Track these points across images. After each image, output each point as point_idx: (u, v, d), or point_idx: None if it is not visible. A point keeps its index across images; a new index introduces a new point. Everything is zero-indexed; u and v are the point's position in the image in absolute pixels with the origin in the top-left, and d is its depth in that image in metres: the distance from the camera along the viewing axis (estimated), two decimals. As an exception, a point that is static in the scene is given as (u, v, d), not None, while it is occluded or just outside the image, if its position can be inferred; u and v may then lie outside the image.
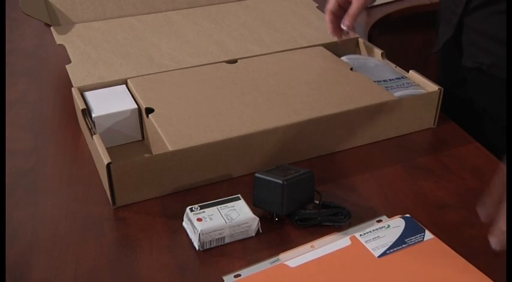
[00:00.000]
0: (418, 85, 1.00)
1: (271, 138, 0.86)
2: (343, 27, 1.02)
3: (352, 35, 1.07)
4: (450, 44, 1.09)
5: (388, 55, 1.09)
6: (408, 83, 1.00)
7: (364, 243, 0.74)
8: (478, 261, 0.71)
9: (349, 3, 1.00)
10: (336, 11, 1.03)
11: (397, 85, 1.00)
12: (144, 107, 0.92)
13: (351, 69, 1.05)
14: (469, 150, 0.93)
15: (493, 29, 0.99)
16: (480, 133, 0.97)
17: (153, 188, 0.81)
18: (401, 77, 1.02)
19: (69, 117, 1.01)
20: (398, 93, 0.97)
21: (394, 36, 1.12)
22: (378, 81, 1.00)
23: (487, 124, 1.08)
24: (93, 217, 0.79)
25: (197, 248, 0.73)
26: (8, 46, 1.29)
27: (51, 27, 1.17)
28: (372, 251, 0.73)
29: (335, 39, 1.08)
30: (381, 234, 0.75)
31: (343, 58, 1.09)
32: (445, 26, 1.10)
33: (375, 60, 1.08)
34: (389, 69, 1.05)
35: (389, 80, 1.01)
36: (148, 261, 0.72)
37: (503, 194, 0.64)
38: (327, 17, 1.04)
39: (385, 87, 0.98)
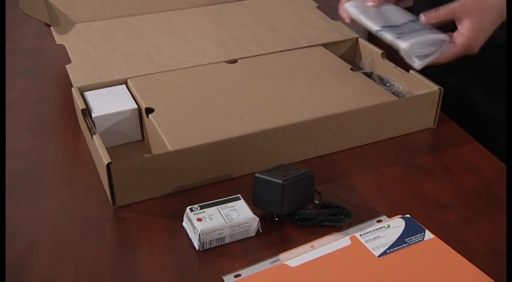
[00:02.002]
0: (432, 29, 0.89)
1: (271, 138, 0.86)
2: (370, 3, 0.98)
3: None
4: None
5: (388, 55, 1.09)
6: (420, 28, 0.88)
7: (364, 243, 0.74)
8: (478, 261, 0.71)
9: None
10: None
11: (410, 30, 0.88)
12: (144, 107, 0.92)
13: (351, 69, 1.05)
14: (469, 150, 0.93)
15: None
16: (480, 133, 0.97)
17: (153, 188, 0.81)
18: (413, 20, 0.91)
19: (69, 117, 1.01)
20: (412, 40, 0.85)
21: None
22: (390, 26, 0.90)
23: (487, 124, 1.08)
24: (93, 217, 0.79)
25: (197, 248, 0.73)
26: (8, 46, 1.29)
27: (51, 27, 1.17)
28: (372, 250, 0.73)
29: (333, 39, 1.07)
30: (381, 234, 0.75)
31: (347, 4, 0.97)
32: (431, 7, 1.09)
33: (385, 5, 0.97)
34: (401, 10, 0.95)
35: (402, 24, 0.90)
36: (148, 261, 0.72)
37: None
38: (341, 9, 1.01)
39: (398, 33, 0.88)
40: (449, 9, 0.86)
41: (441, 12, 0.87)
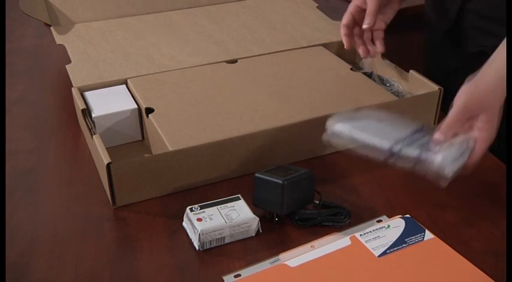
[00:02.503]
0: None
1: (271, 138, 0.86)
2: (365, 26, 1.00)
3: (380, 50, 1.02)
4: (447, 35, 1.09)
5: (388, 55, 1.09)
6: (423, 144, 0.74)
7: (364, 243, 0.74)
8: (478, 261, 0.71)
9: (364, 13, 1.01)
10: (351, 25, 1.03)
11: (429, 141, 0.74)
12: (144, 107, 0.92)
13: (351, 69, 1.05)
14: (469, 150, 0.93)
15: (496, 11, 0.99)
16: None
17: (153, 188, 0.81)
18: (423, 127, 0.76)
19: (69, 117, 1.01)
20: (444, 154, 0.71)
21: (394, 36, 1.12)
22: (402, 140, 0.74)
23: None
24: (93, 217, 0.79)
25: (197, 248, 0.73)
26: (8, 46, 1.29)
27: (51, 27, 1.17)
28: (372, 250, 0.73)
29: (333, 39, 1.08)
30: (381, 234, 0.75)
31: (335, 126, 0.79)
32: (441, 16, 1.10)
33: (372, 112, 0.82)
34: (398, 119, 0.78)
35: (411, 134, 0.75)
36: (148, 261, 0.72)
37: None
38: (342, 31, 1.03)
39: (420, 146, 0.73)
40: (456, 118, 0.75)
41: (451, 125, 0.76)
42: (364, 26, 1.00)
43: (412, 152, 0.72)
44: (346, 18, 1.02)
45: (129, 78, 1.00)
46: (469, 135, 0.74)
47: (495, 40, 0.96)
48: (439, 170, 0.70)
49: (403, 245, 0.73)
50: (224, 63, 1.06)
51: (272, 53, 1.10)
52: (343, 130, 0.77)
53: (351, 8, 1.02)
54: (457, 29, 1.07)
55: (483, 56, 1.03)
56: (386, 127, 0.77)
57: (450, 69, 1.13)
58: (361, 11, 1.01)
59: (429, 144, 0.72)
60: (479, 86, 0.76)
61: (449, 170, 0.70)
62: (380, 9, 1.00)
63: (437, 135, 0.75)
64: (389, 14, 1.03)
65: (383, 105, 0.93)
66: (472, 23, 1.04)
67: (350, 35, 1.03)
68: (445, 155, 0.71)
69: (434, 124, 0.99)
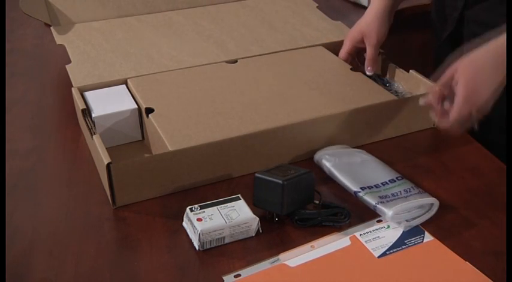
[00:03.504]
0: (420, 191, 0.80)
1: (271, 138, 0.86)
2: (368, 73, 1.06)
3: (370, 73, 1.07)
4: (449, 40, 1.09)
5: (388, 55, 1.09)
6: (408, 190, 0.80)
7: (364, 243, 0.74)
8: (478, 261, 0.71)
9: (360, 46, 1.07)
10: (351, 51, 1.09)
11: (392, 194, 0.79)
12: (144, 107, 0.92)
13: (351, 69, 1.05)
14: (469, 150, 0.93)
15: (494, 20, 0.99)
16: (480, 133, 0.97)
17: (153, 188, 0.81)
18: (397, 178, 0.83)
19: (69, 117, 1.01)
20: (397, 208, 0.76)
21: (394, 36, 1.12)
22: (368, 187, 0.81)
23: (487, 124, 1.08)
24: (93, 217, 0.79)
25: (197, 248, 0.73)
26: (8, 46, 1.29)
27: (51, 27, 1.17)
28: (371, 251, 0.73)
29: (333, 39, 1.09)
30: (380, 234, 0.75)
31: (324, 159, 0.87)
32: (443, 22, 1.10)
33: (361, 154, 0.89)
34: (379, 166, 0.86)
35: (382, 183, 0.82)
36: (148, 261, 0.72)
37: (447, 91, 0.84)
38: (344, 58, 1.09)
39: (379, 197, 0.79)
40: (442, 81, 0.85)
41: (437, 87, 0.86)
42: (369, 73, 1.05)
43: (370, 200, 0.79)
44: (343, 56, 1.09)
45: (129, 78, 1.00)
46: (433, 199, 0.79)
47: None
48: (391, 221, 0.77)
49: (403, 247, 0.73)
50: (224, 63, 1.06)
51: (272, 53, 1.10)
52: (324, 165, 0.87)
53: (347, 47, 1.08)
54: (458, 35, 1.07)
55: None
56: (363, 171, 0.85)
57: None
58: (358, 47, 1.08)
59: (390, 196, 0.79)
60: (468, 55, 0.84)
61: (399, 222, 0.77)
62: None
63: (422, 99, 0.89)
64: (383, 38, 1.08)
65: (383, 105, 0.93)
66: (471, 30, 1.04)
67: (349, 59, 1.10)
68: (397, 210, 0.76)
69: (434, 124, 0.99)
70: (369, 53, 1.05)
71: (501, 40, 0.83)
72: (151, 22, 1.20)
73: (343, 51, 1.09)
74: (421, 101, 0.89)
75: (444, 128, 0.86)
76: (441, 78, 0.86)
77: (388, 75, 1.07)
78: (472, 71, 0.83)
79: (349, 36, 1.08)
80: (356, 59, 1.11)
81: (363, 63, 1.07)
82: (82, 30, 1.16)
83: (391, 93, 1.00)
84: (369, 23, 1.05)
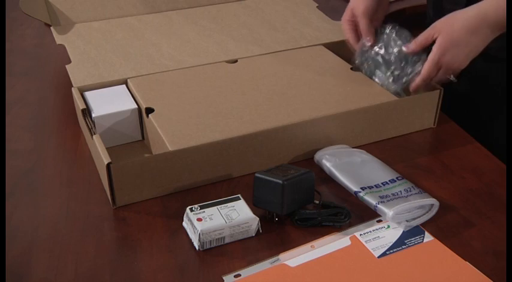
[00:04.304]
0: (420, 191, 0.81)
1: (271, 138, 0.86)
2: (369, 44, 1.01)
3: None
4: None
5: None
6: (408, 189, 0.81)
7: (364, 243, 0.74)
8: (478, 261, 0.71)
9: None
10: (352, 19, 1.04)
11: (393, 194, 0.80)
12: (144, 107, 0.92)
13: (351, 69, 1.05)
14: (469, 150, 0.93)
15: None
16: (480, 133, 0.97)
17: (153, 188, 0.81)
18: (397, 178, 0.83)
19: (69, 117, 1.01)
20: (397, 208, 0.76)
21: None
22: (368, 187, 0.81)
23: (487, 124, 1.08)
24: (93, 217, 0.79)
25: (197, 248, 0.73)
26: (8, 46, 1.29)
27: (51, 27, 1.17)
28: (371, 251, 0.73)
29: (333, 39, 1.08)
30: (381, 234, 0.75)
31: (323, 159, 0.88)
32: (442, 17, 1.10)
33: (361, 154, 0.89)
34: (379, 166, 0.86)
35: (382, 183, 0.82)
36: (148, 261, 0.72)
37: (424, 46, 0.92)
38: (345, 26, 1.05)
39: (379, 197, 0.79)
40: (425, 34, 0.92)
41: (419, 39, 0.93)
42: (368, 44, 1.01)
43: (371, 200, 0.79)
44: (346, 14, 1.05)
45: (129, 78, 1.00)
46: (433, 200, 0.79)
47: (498, 41, 0.97)
48: (391, 221, 0.77)
49: (403, 247, 0.73)
50: (224, 63, 1.06)
51: (272, 53, 1.10)
52: (325, 165, 0.87)
53: (345, 23, 1.05)
54: None
55: (486, 57, 1.03)
56: (363, 171, 0.85)
57: None
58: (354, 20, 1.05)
59: (391, 195, 0.79)
60: (454, 14, 0.90)
61: (399, 222, 0.77)
62: (371, 17, 1.02)
63: (404, 47, 0.95)
64: (381, 15, 1.05)
65: (383, 105, 0.93)
66: None
67: (353, 29, 1.04)
68: (397, 210, 0.76)
69: (434, 124, 0.99)
70: (361, 23, 1.01)
71: (483, 5, 0.87)
72: (151, 22, 1.20)
73: (343, 19, 1.04)
74: (403, 49, 0.95)
75: (413, 88, 0.94)
76: (420, 35, 0.92)
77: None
78: (449, 32, 0.88)
79: (344, 20, 1.04)
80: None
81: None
82: (82, 30, 1.16)
83: (391, 93, 1.00)
84: None
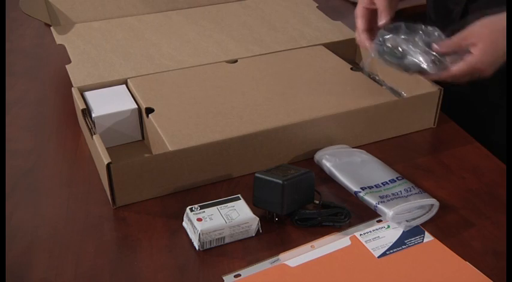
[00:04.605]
0: (420, 191, 0.81)
1: (271, 138, 0.86)
2: (382, 23, 0.95)
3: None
4: (450, 35, 1.09)
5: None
6: (408, 189, 0.81)
7: (364, 243, 0.74)
8: (478, 261, 0.71)
9: (371, 14, 0.98)
10: (369, 6, 0.98)
11: (393, 193, 0.80)
12: (144, 107, 0.92)
13: (351, 69, 1.05)
14: (469, 150, 0.93)
15: (500, 11, 0.99)
16: (480, 133, 0.97)
17: (153, 188, 0.81)
18: (397, 178, 0.83)
19: (69, 117, 1.01)
20: (397, 208, 0.76)
21: (394, 36, 1.13)
22: (368, 187, 0.81)
23: (487, 124, 1.08)
24: (93, 217, 0.79)
25: (197, 248, 0.73)
26: (8, 46, 1.29)
27: (51, 27, 1.17)
28: (371, 251, 0.73)
29: (333, 39, 1.07)
30: (381, 234, 0.75)
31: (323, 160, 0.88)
32: (444, 17, 1.10)
33: (361, 154, 0.89)
34: (379, 166, 0.86)
35: (382, 183, 0.82)
36: (148, 261, 0.72)
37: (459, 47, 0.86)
38: (362, 37, 0.97)
39: (380, 197, 0.79)
40: (461, 36, 0.86)
41: (454, 40, 0.86)
42: (381, 23, 0.95)
43: (371, 200, 0.79)
44: (362, 23, 0.98)
45: (129, 78, 1.00)
46: (433, 200, 0.78)
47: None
48: (391, 221, 0.77)
49: (403, 247, 0.73)
50: (224, 63, 1.06)
51: (272, 53, 1.10)
52: (325, 165, 0.87)
53: (360, 11, 0.98)
54: (460, 30, 1.07)
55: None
56: (363, 171, 0.85)
57: None
58: (370, 12, 0.98)
59: (391, 195, 0.79)
60: (493, 19, 0.85)
61: (399, 222, 0.77)
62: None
63: (436, 46, 0.87)
64: (394, 9, 1.01)
65: (383, 105, 0.93)
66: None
67: (369, 38, 0.97)
68: (397, 210, 0.76)
69: (434, 124, 0.99)
70: (379, 4, 0.95)
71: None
72: (151, 22, 1.20)
73: (358, 18, 0.99)
74: (434, 47, 0.87)
75: (440, 78, 0.87)
76: (459, 34, 0.86)
77: (388, 75, 1.07)
78: (493, 40, 0.84)
79: (359, 10, 0.99)
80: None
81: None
82: (82, 30, 1.16)
83: (391, 93, 1.00)
84: None
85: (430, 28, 0.88)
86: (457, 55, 0.84)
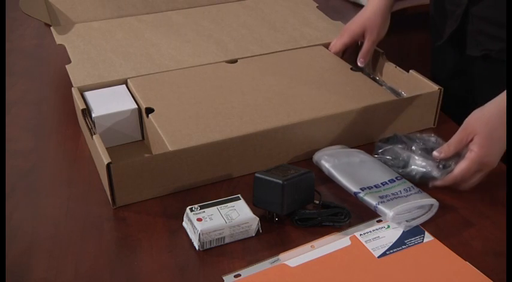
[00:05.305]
0: (419, 190, 0.81)
1: (271, 138, 0.86)
2: (360, 64, 1.07)
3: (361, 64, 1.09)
4: (451, 37, 1.09)
5: (388, 55, 1.09)
6: (408, 189, 0.81)
7: (364, 243, 0.74)
8: (478, 261, 0.71)
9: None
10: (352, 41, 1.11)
11: (392, 193, 0.79)
12: (144, 107, 0.92)
13: (351, 69, 1.05)
14: (469, 150, 0.93)
15: (501, 15, 0.99)
16: None
17: (153, 188, 0.81)
18: (396, 178, 0.83)
19: (69, 117, 1.01)
20: (397, 209, 0.76)
21: (394, 36, 1.12)
22: (368, 187, 0.81)
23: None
24: (93, 217, 0.79)
25: (197, 248, 0.73)
26: (8, 46, 1.29)
27: (51, 27, 1.17)
28: (371, 251, 0.73)
29: (333, 39, 1.09)
30: (380, 234, 0.75)
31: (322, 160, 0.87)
32: (445, 19, 1.10)
33: (359, 154, 0.89)
34: (378, 166, 0.86)
35: (382, 183, 0.82)
36: (148, 261, 0.72)
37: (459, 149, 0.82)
38: (337, 47, 1.11)
39: (379, 197, 0.79)
40: (457, 137, 0.82)
41: (452, 143, 0.83)
42: (361, 65, 1.07)
43: (371, 201, 0.79)
44: (338, 46, 1.10)
45: (129, 78, 1.00)
46: (433, 200, 0.79)
47: (499, 44, 0.97)
48: (391, 221, 0.77)
49: (403, 247, 0.73)
50: (224, 63, 1.06)
51: (272, 53, 1.10)
52: (324, 166, 0.87)
53: (345, 39, 1.09)
54: (461, 32, 1.07)
55: (487, 59, 1.03)
56: (362, 171, 0.84)
57: (454, 72, 1.13)
58: (355, 41, 1.10)
59: (390, 195, 0.79)
60: (483, 109, 0.83)
61: (399, 222, 0.77)
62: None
63: (436, 152, 0.83)
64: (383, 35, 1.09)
65: (383, 105, 0.93)
66: (476, 26, 1.04)
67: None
68: (397, 211, 0.76)
69: (434, 124, 0.99)
70: (366, 46, 1.07)
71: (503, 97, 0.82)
72: (152, 22, 1.20)
73: (340, 42, 1.10)
74: (435, 155, 0.83)
75: (447, 182, 0.82)
76: (454, 136, 0.83)
77: (388, 75, 1.07)
78: (487, 132, 0.80)
79: (348, 29, 1.09)
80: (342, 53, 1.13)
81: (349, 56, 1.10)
82: (82, 30, 1.16)
83: (391, 93, 1.00)
84: (372, 18, 1.07)
85: (425, 136, 0.87)
86: (458, 157, 0.82)
